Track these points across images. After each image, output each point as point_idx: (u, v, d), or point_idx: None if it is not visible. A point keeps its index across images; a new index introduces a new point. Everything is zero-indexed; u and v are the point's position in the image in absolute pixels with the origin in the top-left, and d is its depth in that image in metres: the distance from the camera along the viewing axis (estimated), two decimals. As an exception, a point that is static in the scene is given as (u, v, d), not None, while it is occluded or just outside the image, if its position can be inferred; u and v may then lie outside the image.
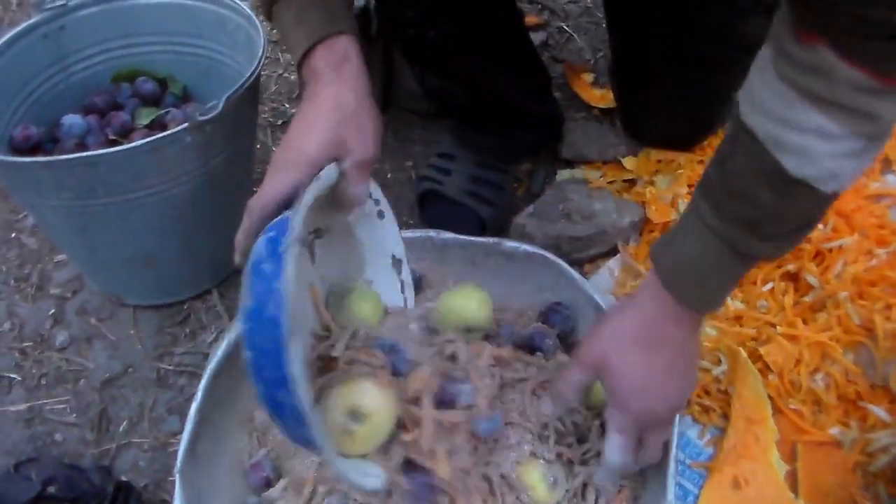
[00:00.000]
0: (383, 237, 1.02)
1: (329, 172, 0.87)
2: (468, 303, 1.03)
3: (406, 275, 1.04)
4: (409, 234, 1.16)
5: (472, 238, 1.16)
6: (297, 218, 0.79)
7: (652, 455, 0.93)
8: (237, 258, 0.85)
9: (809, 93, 0.71)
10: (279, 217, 0.82)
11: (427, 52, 1.31)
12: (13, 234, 1.56)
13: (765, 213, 0.78)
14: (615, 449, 0.91)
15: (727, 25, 1.16)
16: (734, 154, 0.79)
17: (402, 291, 1.04)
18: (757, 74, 0.76)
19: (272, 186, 0.86)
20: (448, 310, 1.02)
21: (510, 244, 1.15)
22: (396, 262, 1.03)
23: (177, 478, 0.94)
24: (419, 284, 1.12)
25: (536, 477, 0.94)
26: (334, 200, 0.92)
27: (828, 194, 0.76)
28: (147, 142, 1.13)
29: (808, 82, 0.71)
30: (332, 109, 0.89)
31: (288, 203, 0.83)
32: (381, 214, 1.01)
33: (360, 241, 1.02)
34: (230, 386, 1.03)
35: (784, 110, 0.73)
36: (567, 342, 1.10)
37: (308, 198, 0.81)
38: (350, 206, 0.94)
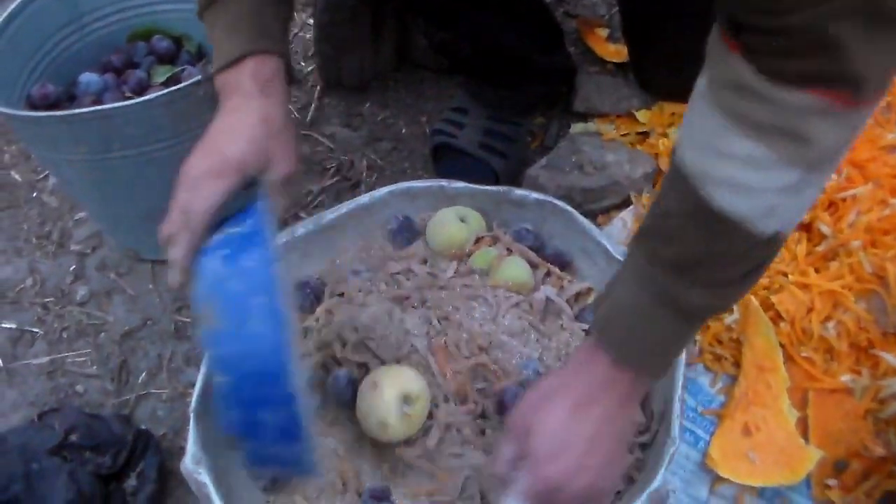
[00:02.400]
0: None
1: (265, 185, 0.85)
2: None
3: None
4: (420, 183, 1.18)
5: (483, 187, 1.17)
6: (270, 230, 0.77)
7: None
8: (179, 277, 0.81)
9: (735, 114, 0.66)
10: (223, 234, 0.80)
11: (429, 6, 1.30)
12: (34, 194, 1.58)
13: (696, 257, 0.72)
14: None
15: None
16: (667, 192, 0.74)
17: None
18: (692, 101, 0.71)
19: (207, 195, 0.82)
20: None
21: (520, 192, 1.15)
22: None
23: (191, 418, 0.96)
24: None
25: None
26: None
27: (766, 237, 0.70)
28: (161, 95, 1.15)
29: (733, 101, 0.66)
30: (260, 122, 0.87)
31: (222, 210, 0.82)
32: None
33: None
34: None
35: (712, 138, 0.68)
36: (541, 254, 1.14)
37: (268, 205, 0.81)
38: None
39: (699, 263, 0.72)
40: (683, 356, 0.95)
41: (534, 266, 1.12)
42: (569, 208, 1.13)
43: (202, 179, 0.83)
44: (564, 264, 1.14)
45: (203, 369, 0.99)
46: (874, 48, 0.61)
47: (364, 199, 1.16)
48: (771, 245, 0.72)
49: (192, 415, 0.96)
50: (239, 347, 0.72)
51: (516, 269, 1.10)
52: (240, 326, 0.72)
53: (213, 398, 0.74)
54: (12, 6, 1.32)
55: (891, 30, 0.60)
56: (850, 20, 0.59)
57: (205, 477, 0.92)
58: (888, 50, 0.62)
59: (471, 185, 1.16)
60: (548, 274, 1.12)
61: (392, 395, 0.96)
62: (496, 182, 1.38)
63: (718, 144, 0.67)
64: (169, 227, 0.82)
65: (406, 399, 0.96)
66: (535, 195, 1.14)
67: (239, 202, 0.85)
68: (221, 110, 0.89)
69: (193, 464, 0.93)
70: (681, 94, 1.44)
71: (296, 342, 0.75)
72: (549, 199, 1.14)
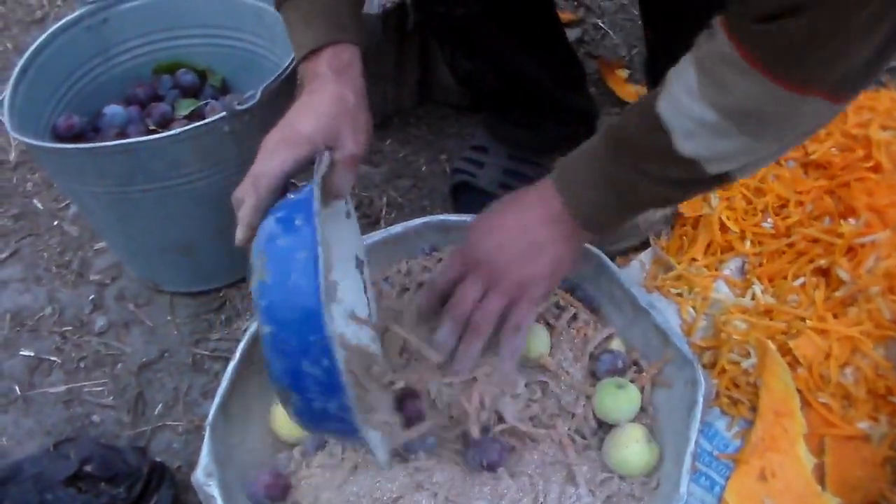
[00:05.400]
0: (348, 237, 1.02)
1: (326, 158, 0.88)
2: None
3: (367, 275, 1.03)
4: (454, 217, 1.19)
5: None
6: (317, 190, 0.82)
7: (482, 318, 0.95)
8: (243, 233, 0.86)
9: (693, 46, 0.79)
10: (283, 199, 0.86)
11: (456, 32, 1.32)
12: (56, 223, 1.59)
13: (629, 140, 0.87)
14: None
15: None
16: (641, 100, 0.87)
17: (365, 292, 1.03)
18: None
19: (277, 162, 0.88)
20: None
21: None
22: (360, 263, 1.03)
23: (206, 431, 0.96)
24: None
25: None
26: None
27: (682, 155, 0.82)
28: (185, 130, 1.16)
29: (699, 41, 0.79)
30: (332, 102, 0.92)
31: (290, 177, 0.88)
32: (348, 214, 1.02)
33: (326, 242, 0.99)
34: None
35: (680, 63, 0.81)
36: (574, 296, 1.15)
37: (319, 175, 0.85)
38: (333, 196, 0.94)
39: (629, 146, 0.86)
40: (698, 418, 0.96)
41: (561, 308, 1.12)
42: (600, 254, 1.12)
43: (274, 149, 0.89)
44: (593, 310, 1.14)
45: (223, 384, 1.00)
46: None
47: (398, 228, 1.17)
48: (687, 167, 0.83)
49: (207, 427, 0.97)
50: (281, 297, 0.78)
51: (535, 340, 1.08)
52: (284, 278, 0.78)
53: (262, 353, 0.80)
54: (41, 38, 1.34)
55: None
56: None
57: (214, 490, 0.93)
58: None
59: None
60: (574, 317, 1.12)
61: None
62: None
63: (675, 72, 0.82)
64: (239, 190, 0.88)
65: None
66: None
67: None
68: (300, 93, 0.95)
69: (205, 476, 0.94)
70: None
71: (332, 296, 0.82)
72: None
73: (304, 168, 0.89)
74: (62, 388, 1.34)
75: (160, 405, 1.31)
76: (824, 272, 1.23)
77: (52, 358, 1.38)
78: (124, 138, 1.32)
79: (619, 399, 1.04)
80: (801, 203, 1.29)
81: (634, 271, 1.30)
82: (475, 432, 0.97)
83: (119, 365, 1.36)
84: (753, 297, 1.22)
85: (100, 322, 1.42)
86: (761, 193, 1.31)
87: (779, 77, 0.73)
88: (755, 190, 1.32)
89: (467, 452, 0.98)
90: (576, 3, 1.83)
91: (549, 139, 1.46)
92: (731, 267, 1.27)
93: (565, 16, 1.77)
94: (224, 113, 1.16)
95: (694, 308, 1.23)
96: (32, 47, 1.33)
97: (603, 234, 0.95)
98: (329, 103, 0.92)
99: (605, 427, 1.05)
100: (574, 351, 1.08)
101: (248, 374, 1.05)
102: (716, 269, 1.27)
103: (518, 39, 1.31)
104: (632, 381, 1.06)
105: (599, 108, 1.54)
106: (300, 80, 0.97)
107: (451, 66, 1.44)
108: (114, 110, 1.39)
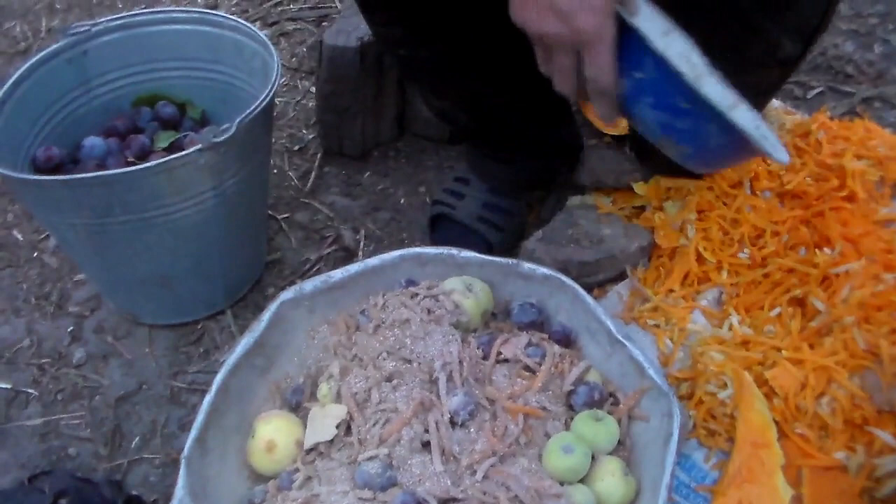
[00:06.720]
0: None
1: None
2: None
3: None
4: (430, 250, 1.18)
5: (492, 258, 1.17)
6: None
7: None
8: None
9: None
10: None
11: (423, 73, 1.29)
12: (35, 254, 1.59)
13: None
14: None
15: (736, 73, 1.15)
16: None
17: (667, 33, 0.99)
18: None
19: None
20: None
21: (528, 266, 1.15)
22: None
23: (182, 463, 0.96)
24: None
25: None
26: None
27: None
28: (161, 162, 1.16)
29: None
30: None
31: None
32: None
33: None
34: (244, 383, 1.08)
35: None
36: (545, 329, 1.15)
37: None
38: None
39: None
40: (674, 450, 0.96)
41: (534, 346, 1.11)
42: (575, 285, 1.12)
43: None
44: (569, 342, 1.14)
45: (200, 417, 1.00)
46: None
47: (374, 261, 1.17)
48: None
49: (183, 460, 0.97)
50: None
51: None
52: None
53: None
54: (21, 70, 1.34)
55: None
56: None
57: None
58: None
59: (480, 256, 1.17)
60: (544, 356, 1.11)
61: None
62: (489, 254, 1.39)
63: None
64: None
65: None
66: (542, 270, 1.15)
67: None
68: None
69: None
70: (678, 167, 1.44)
71: None
72: (557, 274, 1.14)
73: None
74: (39, 420, 1.33)
75: (137, 438, 1.30)
76: (800, 302, 1.24)
77: (30, 390, 1.37)
78: (103, 170, 1.32)
79: (599, 431, 1.04)
80: (776, 233, 1.30)
81: (611, 303, 1.30)
82: None
83: (97, 397, 1.35)
84: (730, 328, 1.23)
85: (78, 354, 1.41)
86: (737, 224, 1.32)
87: None
88: (731, 221, 1.32)
89: None
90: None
91: (529, 174, 1.46)
92: (707, 297, 1.27)
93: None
94: (200, 146, 1.17)
95: (671, 339, 1.24)
96: (12, 79, 1.33)
97: None
98: None
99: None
100: (553, 388, 1.08)
101: (225, 407, 1.05)
102: (692, 300, 1.27)
103: (489, 78, 1.28)
104: (609, 414, 1.06)
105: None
106: None
107: (425, 102, 1.44)
108: (93, 142, 1.39)
